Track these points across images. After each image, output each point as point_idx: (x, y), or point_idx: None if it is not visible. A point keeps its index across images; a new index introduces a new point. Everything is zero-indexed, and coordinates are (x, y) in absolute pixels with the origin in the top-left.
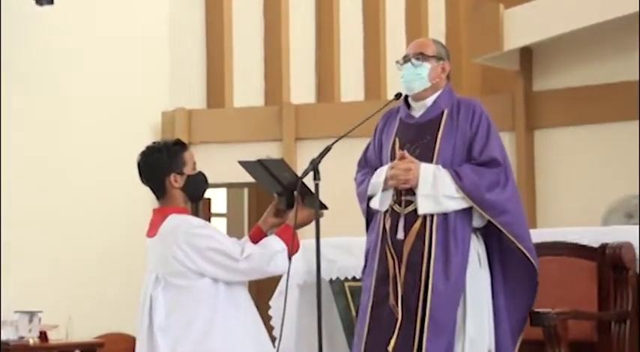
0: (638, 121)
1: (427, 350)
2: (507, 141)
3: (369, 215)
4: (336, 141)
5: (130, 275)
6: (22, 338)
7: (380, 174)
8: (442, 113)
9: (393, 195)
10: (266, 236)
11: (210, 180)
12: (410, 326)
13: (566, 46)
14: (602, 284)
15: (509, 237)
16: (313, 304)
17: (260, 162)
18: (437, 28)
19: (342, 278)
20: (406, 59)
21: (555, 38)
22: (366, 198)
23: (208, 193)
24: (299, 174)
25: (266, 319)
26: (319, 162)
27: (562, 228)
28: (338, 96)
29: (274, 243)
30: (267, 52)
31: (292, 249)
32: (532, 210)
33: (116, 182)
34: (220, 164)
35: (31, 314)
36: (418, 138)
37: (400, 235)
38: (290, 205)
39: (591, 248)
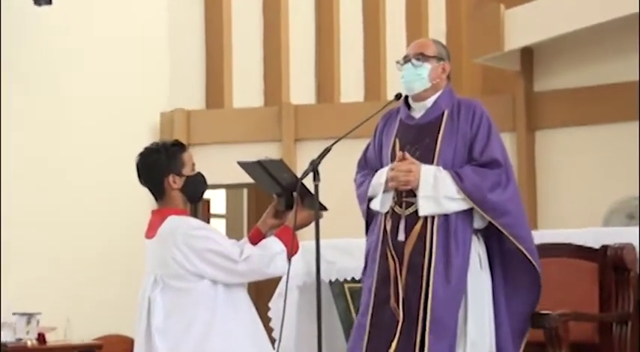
0: (638, 122)
1: None
2: (508, 142)
3: (369, 216)
4: (336, 141)
5: (129, 276)
6: (20, 340)
7: (380, 176)
8: (442, 114)
9: (394, 197)
10: (265, 237)
11: (209, 181)
12: (411, 328)
13: (567, 46)
14: (603, 286)
15: (511, 238)
16: (313, 306)
17: (259, 163)
18: (437, 28)
19: (342, 279)
20: (406, 59)
21: (556, 38)
22: (366, 200)
23: (207, 194)
24: (298, 175)
25: (265, 321)
26: (319, 163)
27: (563, 230)
28: (338, 97)
29: (273, 245)
30: (267, 52)
31: (292, 250)
32: (533, 211)
33: (116, 182)
34: (219, 165)
35: (29, 316)
36: (418, 139)
37: (401, 237)
38: (289, 206)
39: (592, 249)
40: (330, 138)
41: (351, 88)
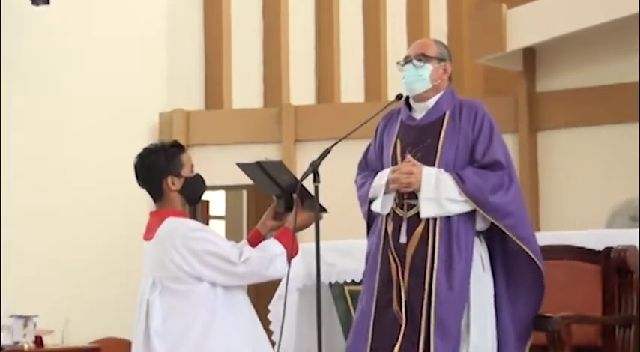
0: (639, 123)
1: None
2: (510, 143)
3: (370, 218)
4: (336, 142)
5: (129, 277)
6: (17, 343)
7: (382, 177)
8: (444, 115)
9: (395, 199)
10: (264, 239)
11: (208, 183)
12: (414, 331)
13: (569, 46)
14: (606, 288)
15: (514, 239)
16: (313, 308)
17: (259, 164)
18: (438, 27)
19: (342, 281)
20: (407, 60)
21: (559, 38)
22: (367, 201)
23: (207, 196)
24: (298, 176)
25: (265, 323)
26: (319, 164)
27: (565, 231)
28: (338, 98)
29: (273, 247)
30: (267, 52)
31: (291, 252)
32: (535, 213)
33: (115, 183)
34: (219, 166)
35: (26, 319)
36: (420, 140)
37: (403, 239)
38: (289, 208)
39: (595, 251)
40: (330, 139)
41: (351, 88)
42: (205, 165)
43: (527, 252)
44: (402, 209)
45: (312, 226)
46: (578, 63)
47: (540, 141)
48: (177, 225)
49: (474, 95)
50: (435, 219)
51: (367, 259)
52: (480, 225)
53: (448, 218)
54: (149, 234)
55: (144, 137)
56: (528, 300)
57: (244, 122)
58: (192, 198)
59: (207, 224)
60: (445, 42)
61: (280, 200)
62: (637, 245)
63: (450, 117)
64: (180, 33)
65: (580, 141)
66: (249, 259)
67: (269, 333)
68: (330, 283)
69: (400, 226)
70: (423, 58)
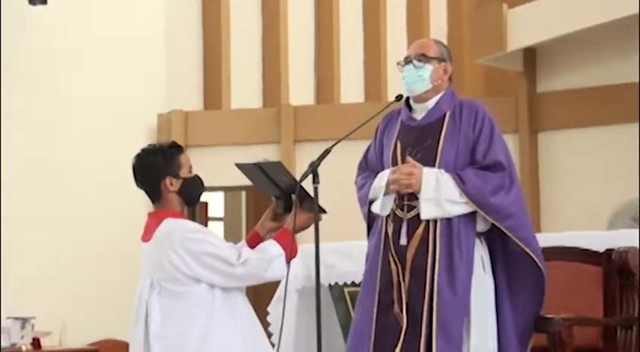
0: (638, 124)
1: None
2: (511, 144)
3: (370, 219)
4: (336, 143)
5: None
6: (15, 344)
7: (382, 178)
8: (444, 115)
9: (395, 200)
10: (263, 240)
11: (207, 184)
12: (415, 333)
13: (570, 46)
14: (607, 290)
15: (515, 240)
16: (312, 310)
17: (258, 165)
18: (439, 27)
19: (342, 283)
20: (407, 60)
21: (560, 38)
22: (367, 202)
23: (205, 197)
24: (298, 177)
25: (264, 325)
26: (318, 164)
27: (567, 232)
28: (338, 98)
29: (272, 248)
30: (266, 52)
31: (290, 253)
32: (536, 214)
33: (114, 183)
34: (217, 167)
35: (24, 321)
36: (420, 141)
37: (403, 241)
38: (288, 209)
39: (597, 252)
40: (329, 140)
41: (351, 88)
42: (204, 166)
43: (528, 254)
44: (402, 210)
45: (312, 227)
46: (579, 63)
47: (541, 141)
48: (176, 226)
49: (474, 95)
50: (435, 221)
51: (367, 261)
52: (481, 226)
53: (449, 219)
54: (147, 235)
55: (142, 138)
56: (529, 302)
57: (243, 122)
58: (191, 199)
59: (205, 225)
60: (445, 42)
61: (279, 201)
62: (637, 246)
63: (451, 118)
64: (178, 33)
65: (581, 142)
66: (247, 260)
67: (268, 335)
68: (329, 285)
69: (400, 227)
70: (423, 58)
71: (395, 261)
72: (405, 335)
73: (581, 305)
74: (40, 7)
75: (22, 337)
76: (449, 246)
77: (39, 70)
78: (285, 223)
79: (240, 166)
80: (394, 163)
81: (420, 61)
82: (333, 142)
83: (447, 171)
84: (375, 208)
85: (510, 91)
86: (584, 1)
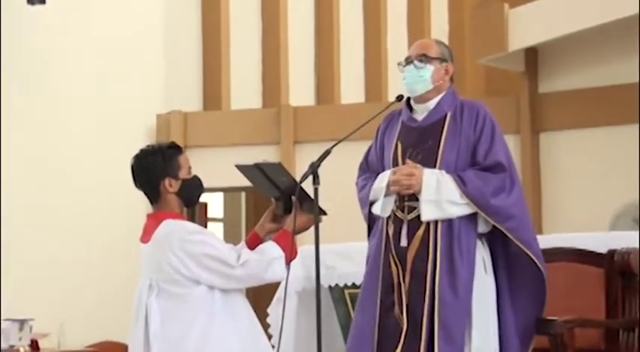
0: (638, 124)
1: None
2: (512, 145)
3: (371, 220)
4: (336, 144)
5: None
6: (13, 346)
7: (382, 179)
8: (445, 116)
9: (396, 201)
10: (263, 242)
11: (206, 185)
12: (415, 335)
13: (572, 46)
14: (609, 292)
15: (516, 242)
16: (312, 311)
17: (257, 166)
18: (440, 27)
19: (342, 285)
20: (408, 61)
21: (561, 38)
22: (367, 204)
23: (205, 198)
24: (298, 178)
25: (264, 327)
26: (318, 165)
27: (568, 234)
28: (338, 98)
29: (271, 249)
30: (265, 52)
31: (290, 255)
32: (538, 215)
33: (113, 184)
34: (217, 168)
35: (22, 322)
36: (421, 142)
37: (403, 242)
38: (288, 210)
39: (599, 254)
40: (329, 141)
41: (351, 89)
42: (203, 167)
43: (529, 255)
44: (402, 211)
45: (312, 229)
46: (581, 63)
47: (543, 142)
48: (175, 228)
49: (476, 96)
50: (436, 222)
51: (367, 262)
52: (482, 228)
53: (449, 220)
54: (146, 237)
55: (141, 138)
56: (530, 303)
57: (243, 123)
58: (190, 200)
59: (205, 226)
60: (446, 42)
61: (279, 202)
62: (639, 247)
63: (452, 119)
64: (178, 33)
65: (583, 143)
66: (247, 262)
67: (268, 337)
68: (329, 286)
69: (401, 229)
70: (424, 58)
71: (395, 263)
72: (405, 337)
73: (583, 306)
74: (38, 7)
75: (20, 339)
76: (450, 248)
77: (38, 70)
78: (285, 224)
79: (239, 167)
80: (395, 164)
81: (421, 61)
82: (333, 143)
83: (447, 172)
84: (376, 209)
85: (512, 92)
86: (586, 1)
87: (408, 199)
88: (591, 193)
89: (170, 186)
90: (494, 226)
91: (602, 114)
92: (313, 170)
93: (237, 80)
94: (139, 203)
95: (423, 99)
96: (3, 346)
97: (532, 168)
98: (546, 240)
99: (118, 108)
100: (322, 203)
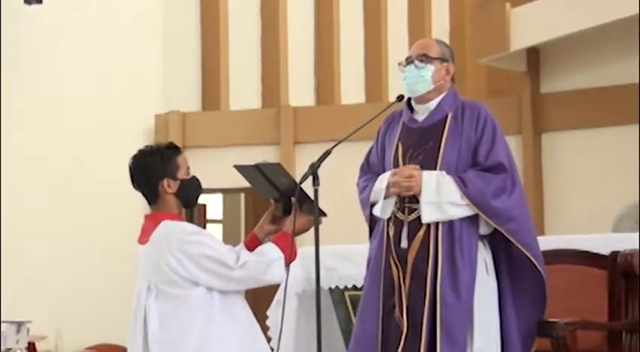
0: (638, 125)
1: None
2: (514, 145)
3: (372, 222)
4: (336, 144)
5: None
6: (10, 349)
7: (382, 181)
8: (446, 117)
9: (396, 202)
10: (262, 243)
11: (205, 186)
12: (415, 338)
13: (574, 46)
14: (612, 293)
15: (516, 244)
16: (312, 314)
17: (257, 166)
18: (441, 27)
19: (343, 287)
20: (409, 61)
21: (564, 38)
22: (368, 205)
23: (203, 199)
24: (297, 179)
25: (263, 329)
26: (318, 166)
27: (571, 235)
28: (338, 99)
29: (271, 251)
30: (265, 52)
31: (289, 257)
32: (540, 216)
33: (112, 184)
34: (216, 169)
35: (19, 325)
36: (421, 142)
37: (404, 244)
38: (287, 212)
39: (602, 255)
40: (330, 141)
41: (351, 89)
42: (202, 168)
43: (529, 258)
44: (402, 213)
45: (312, 230)
46: (583, 63)
47: (545, 142)
48: (173, 228)
49: (477, 96)
50: (436, 223)
51: (368, 264)
52: (484, 229)
53: (451, 222)
54: (144, 238)
55: (139, 139)
56: (532, 306)
57: (242, 123)
58: (188, 201)
59: (204, 227)
60: (447, 41)
61: (279, 203)
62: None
63: (453, 119)
64: (176, 33)
65: (585, 143)
66: (246, 263)
67: (267, 339)
68: (330, 288)
69: (401, 230)
70: (425, 58)
71: (396, 264)
72: (405, 339)
73: (586, 308)
74: (35, 7)
75: (18, 341)
76: (451, 249)
77: (36, 71)
78: (285, 226)
79: (238, 168)
80: (396, 165)
81: (421, 61)
82: (333, 144)
83: (448, 172)
84: (376, 211)
85: (513, 92)
86: (588, 1)
87: (408, 201)
88: (594, 194)
89: (168, 186)
90: (495, 228)
91: (606, 115)
92: (313, 171)
93: (236, 80)
94: (138, 204)
95: (423, 99)
96: (0, 349)
97: (534, 169)
98: (549, 242)
99: (117, 108)
100: (322, 204)
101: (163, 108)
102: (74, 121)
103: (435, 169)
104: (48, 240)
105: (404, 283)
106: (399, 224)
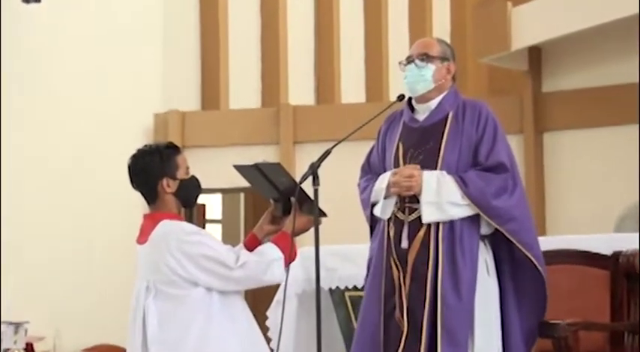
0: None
1: None
2: (515, 145)
3: (373, 222)
4: (336, 144)
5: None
6: (7, 350)
7: (382, 181)
8: (447, 116)
9: (397, 202)
10: (262, 244)
11: (204, 185)
12: (415, 338)
13: (576, 45)
14: (614, 294)
15: (517, 244)
16: (312, 314)
17: (256, 166)
18: (441, 26)
19: (343, 287)
20: (409, 60)
21: (565, 37)
22: (369, 205)
23: (203, 199)
24: (297, 179)
25: (263, 330)
26: (318, 166)
27: (573, 235)
28: (338, 98)
29: (270, 251)
30: (265, 51)
31: (289, 257)
32: (541, 216)
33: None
34: (215, 168)
35: (17, 325)
36: (422, 142)
37: (404, 244)
38: (287, 212)
39: (604, 256)
40: (330, 141)
41: (351, 88)
42: (201, 168)
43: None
44: (403, 213)
45: (312, 230)
46: (585, 62)
47: (546, 142)
48: (172, 228)
49: (478, 95)
50: (437, 224)
51: (369, 265)
52: (485, 229)
53: (451, 222)
54: (143, 238)
55: (138, 138)
56: (533, 306)
57: (241, 123)
58: (188, 201)
59: (203, 227)
60: (448, 40)
61: (278, 203)
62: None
63: (454, 119)
64: (176, 32)
65: (587, 142)
66: (246, 263)
67: (267, 340)
68: (330, 289)
69: (401, 230)
70: (426, 57)
71: (396, 265)
72: (405, 340)
73: (588, 309)
74: (34, 6)
75: (15, 342)
76: (451, 250)
77: (35, 70)
78: (284, 226)
79: (238, 168)
80: (396, 165)
81: (422, 60)
82: (333, 143)
83: (449, 172)
84: (377, 211)
85: (515, 91)
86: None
87: (408, 201)
88: (596, 194)
89: (168, 186)
90: (496, 228)
91: (607, 114)
92: (313, 170)
93: (235, 79)
94: (137, 204)
95: (424, 98)
96: None
97: (536, 169)
98: (550, 242)
99: (116, 107)
100: (322, 204)
101: (163, 108)
102: (74, 121)
103: (436, 169)
104: (48, 240)
105: (404, 283)
106: (399, 224)
